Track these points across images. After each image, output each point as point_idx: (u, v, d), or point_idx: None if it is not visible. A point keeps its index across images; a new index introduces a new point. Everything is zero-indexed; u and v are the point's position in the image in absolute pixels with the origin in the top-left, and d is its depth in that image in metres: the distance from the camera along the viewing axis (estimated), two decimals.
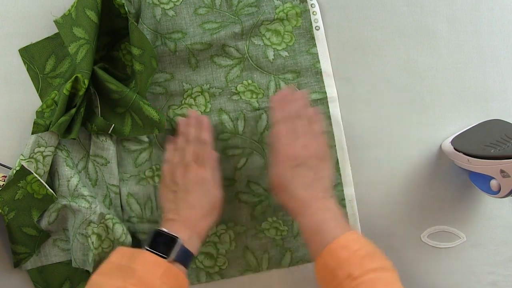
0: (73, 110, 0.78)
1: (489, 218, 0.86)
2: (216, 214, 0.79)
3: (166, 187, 0.80)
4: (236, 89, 0.85)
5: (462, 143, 0.80)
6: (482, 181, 0.79)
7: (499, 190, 0.74)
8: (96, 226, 0.79)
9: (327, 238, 0.70)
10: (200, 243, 0.76)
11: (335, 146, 0.86)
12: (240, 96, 0.85)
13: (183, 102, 0.85)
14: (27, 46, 0.83)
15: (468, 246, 0.86)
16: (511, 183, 0.71)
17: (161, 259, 0.71)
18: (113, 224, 0.79)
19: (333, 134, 0.85)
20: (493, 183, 0.74)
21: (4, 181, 0.79)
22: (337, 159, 0.86)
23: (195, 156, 0.79)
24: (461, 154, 0.79)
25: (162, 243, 0.72)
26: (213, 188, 0.79)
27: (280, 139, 0.77)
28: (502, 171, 0.71)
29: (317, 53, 0.86)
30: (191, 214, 0.76)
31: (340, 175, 0.86)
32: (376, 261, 0.68)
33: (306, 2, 0.85)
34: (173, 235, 0.72)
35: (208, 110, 0.85)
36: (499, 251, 0.86)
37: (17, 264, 0.81)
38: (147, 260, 0.70)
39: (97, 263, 0.80)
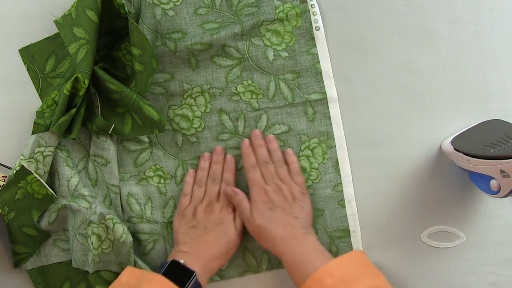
0: (73, 110, 0.78)
1: (489, 218, 0.85)
2: (230, 257, 0.82)
3: (184, 219, 0.82)
4: (236, 90, 0.85)
5: (462, 143, 0.80)
6: (482, 181, 0.79)
7: (499, 190, 0.74)
8: (96, 226, 0.79)
9: (310, 268, 0.73)
10: (207, 280, 0.79)
11: (335, 146, 0.86)
12: (240, 97, 0.85)
13: (183, 102, 0.85)
14: (27, 46, 0.83)
15: (468, 246, 0.86)
16: (511, 183, 0.71)
17: (170, 282, 0.73)
18: (114, 224, 0.79)
19: (333, 135, 0.85)
20: (493, 183, 0.74)
21: (4, 181, 0.79)
22: (337, 159, 0.86)
23: (219, 196, 0.83)
24: (461, 154, 0.78)
25: (177, 274, 0.74)
26: (233, 231, 0.82)
27: (253, 186, 0.82)
28: (502, 171, 0.71)
29: (317, 54, 0.85)
30: (207, 252, 0.79)
31: (339, 175, 0.86)
32: (366, 281, 0.70)
33: (306, 2, 0.85)
34: (191, 269, 0.75)
35: (208, 110, 0.85)
36: (499, 251, 0.86)
37: (17, 264, 0.82)
38: (156, 282, 0.72)
39: (97, 264, 0.80)
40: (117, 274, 0.81)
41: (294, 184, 0.83)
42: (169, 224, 0.85)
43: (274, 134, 0.85)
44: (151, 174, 0.85)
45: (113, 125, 0.81)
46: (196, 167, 0.85)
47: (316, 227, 0.85)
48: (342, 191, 0.86)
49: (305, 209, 0.82)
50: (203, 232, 0.81)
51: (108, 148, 0.82)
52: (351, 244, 0.85)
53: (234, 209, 0.83)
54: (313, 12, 0.85)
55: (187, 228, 0.81)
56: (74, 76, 0.76)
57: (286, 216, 0.80)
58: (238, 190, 0.83)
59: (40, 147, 0.78)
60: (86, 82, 0.76)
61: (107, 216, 0.79)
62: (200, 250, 0.79)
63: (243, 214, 0.81)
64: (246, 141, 0.85)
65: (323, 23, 0.85)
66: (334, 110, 0.86)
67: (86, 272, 0.81)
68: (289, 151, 0.85)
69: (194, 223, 0.81)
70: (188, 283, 0.73)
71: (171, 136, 0.85)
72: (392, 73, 0.86)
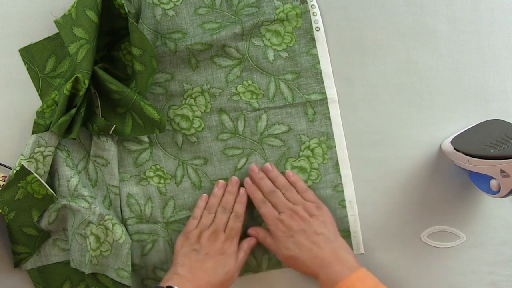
0: (73, 110, 0.78)
1: (489, 218, 0.86)
2: None
3: (187, 241, 0.82)
4: (236, 90, 0.85)
5: (462, 143, 0.80)
6: (482, 181, 0.79)
7: (499, 190, 0.74)
8: (95, 227, 0.79)
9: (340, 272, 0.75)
10: None
11: (335, 147, 0.86)
12: (240, 97, 0.85)
13: (183, 102, 0.85)
14: (27, 46, 0.83)
15: (468, 246, 0.86)
16: (511, 183, 0.71)
17: None
18: (113, 225, 0.79)
19: (333, 135, 0.86)
20: (493, 183, 0.74)
21: (4, 181, 0.79)
22: (337, 160, 0.86)
23: (226, 227, 0.83)
24: (461, 154, 0.79)
25: None
26: (233, 263, 0.81)
27: (267, 220, 0.82)
28: (502, 171, 0.71)
29: (317, 54, 0.86)
30: (204, 279, 0.78)
31: (340, 176, 0.86)
32: None
33: (307, 3, 0.85)
34: None
35: (208, 110, 0.85)
36: (499, 251, 0.86)
37: (17, 264, 0.81)
38: None
39: (94, 266, 0.80)
40: (113, 280, 0.81)
41: (307, 202, 0.82)
42: (169, 224, 0.85)
43: (274, 134, 0.85)
44: (151, 174, 0.85)
45: (114, 125, 0.81)
46: (196, 167, 0.85)
47: None
48: (343, 191, 0.86)
49: (326, 221, 0.81)
50: (203, 258, 0.80)
51: (109, 148, 0.82)
52: (352, 244, 0.85)
53: (238, 243, 0.83)
54: (313, 13, 0.85)
55: (188, 251, 0.80)
56: (74, 76, 0.76)
57: (309, 237, 0.79)
58: (259, 229, 0.84)
59: (40, 147, 0.78)
60: (86, 82, 0.76)
61: (106, 217, 0.79)
62: (196, 276, 0.78)
63: (272, 249, 0.82)
64: (247, 179, 0.85)
65: (323, 24, 0.86)
66: (334, 111, 0.86)
67: (83, 272, 0.81)
68: (288, 172, 0.85)
69: (196, 247, 0.80)
70: None
71: (171, 136, 0.85)
72: (392, 73, 0.86)
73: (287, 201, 0.82)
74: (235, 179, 0.85)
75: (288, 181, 0.84)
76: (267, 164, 0.85)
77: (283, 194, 0.83)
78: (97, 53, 0.80)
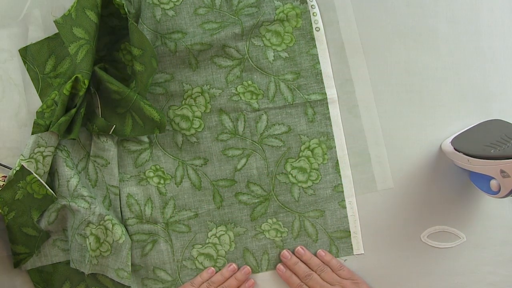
0: (73, 110, 0.78)
1: (489, 218, 0.85)
2: None
3: None
4: (236, 90, 0.85)
5: (462, 143, 0.80)
6: (482, 181, 0.79)
7: (499, 190, 0.74)
8: (95, 227, 0.79)
9: None
10: None
11: (335, 147, 0.86)
12: (240, 97, 0.85)
13: (183, 102, 0.85)
14: (27, 46, 0.83)
15: (468, 246, 0.86)
16: (511, 183, 0.71)
17: None
18: (113, 225, 0.79)
19: (333, 135, 0.85)
20: (493, 183, 0.74)
21: (4, 181, 0.79)
22: (337, 160, 0.86)
23: None
24: (461, 154, 0.79)
25: None
26: None
27: None
28: (502, 171, 0.71)
29: (317, 54, 0.86)
30: None
31: (340, 176, 0.86)
32: None
33: (307, 3, 0.85)
34: None
35: (208, 110, 0.85)
36: (499, 251, 0.86)
37: (17, 264, 0.81)
38: None
39: (94, 266, 0.80)
40: (113, 280, 0.82)
41: (344, 280, 0.83)
42: (169, 224, 0.85)
43: (274, 135, 0.85)
44: (151, 174, 0.85)
45: (114, 125, 0.81)
46: (196, 168, 0.85)
47: (316, 228, 0.85)
48: (343, 191, 0.86)
49: None
50: None
51: (109, 149, 0.82)
52: (351, 245, 0.85)
53: None
54: (313, 13, 0.85)
55: None
56: (74, 76, 0.76)
57: None
58: None
59: (40, 147, 0.78)
60: (86, 82, 0.76)
61: (106, 217, 0.79)
62: None
63: None
64: (280, 266, 0.85)
65: (323, 24, 0.86)
66: (334, 111, 0.86)
67: (83, 272, 0.81)
68: (320, 252, 0.85)
69: None
70: None
71: (171, 137, 0.85)
72: (392, 73, 0.86)
73: (324, 282, 0.83)
74: (248, 269, 0.85)
75: (322, 261, 0.85)
76: (299, 248, 0.85)
77: (318, 275, 0.83)
78: (97, 53, 0.81)
